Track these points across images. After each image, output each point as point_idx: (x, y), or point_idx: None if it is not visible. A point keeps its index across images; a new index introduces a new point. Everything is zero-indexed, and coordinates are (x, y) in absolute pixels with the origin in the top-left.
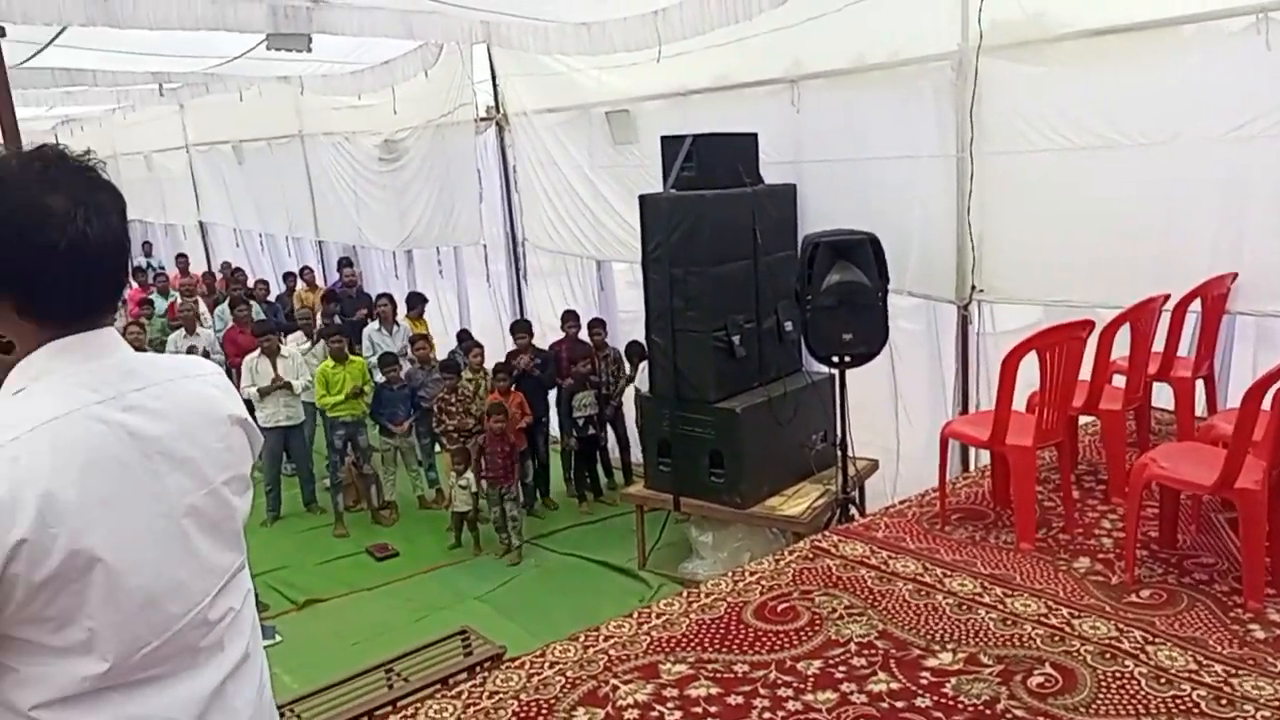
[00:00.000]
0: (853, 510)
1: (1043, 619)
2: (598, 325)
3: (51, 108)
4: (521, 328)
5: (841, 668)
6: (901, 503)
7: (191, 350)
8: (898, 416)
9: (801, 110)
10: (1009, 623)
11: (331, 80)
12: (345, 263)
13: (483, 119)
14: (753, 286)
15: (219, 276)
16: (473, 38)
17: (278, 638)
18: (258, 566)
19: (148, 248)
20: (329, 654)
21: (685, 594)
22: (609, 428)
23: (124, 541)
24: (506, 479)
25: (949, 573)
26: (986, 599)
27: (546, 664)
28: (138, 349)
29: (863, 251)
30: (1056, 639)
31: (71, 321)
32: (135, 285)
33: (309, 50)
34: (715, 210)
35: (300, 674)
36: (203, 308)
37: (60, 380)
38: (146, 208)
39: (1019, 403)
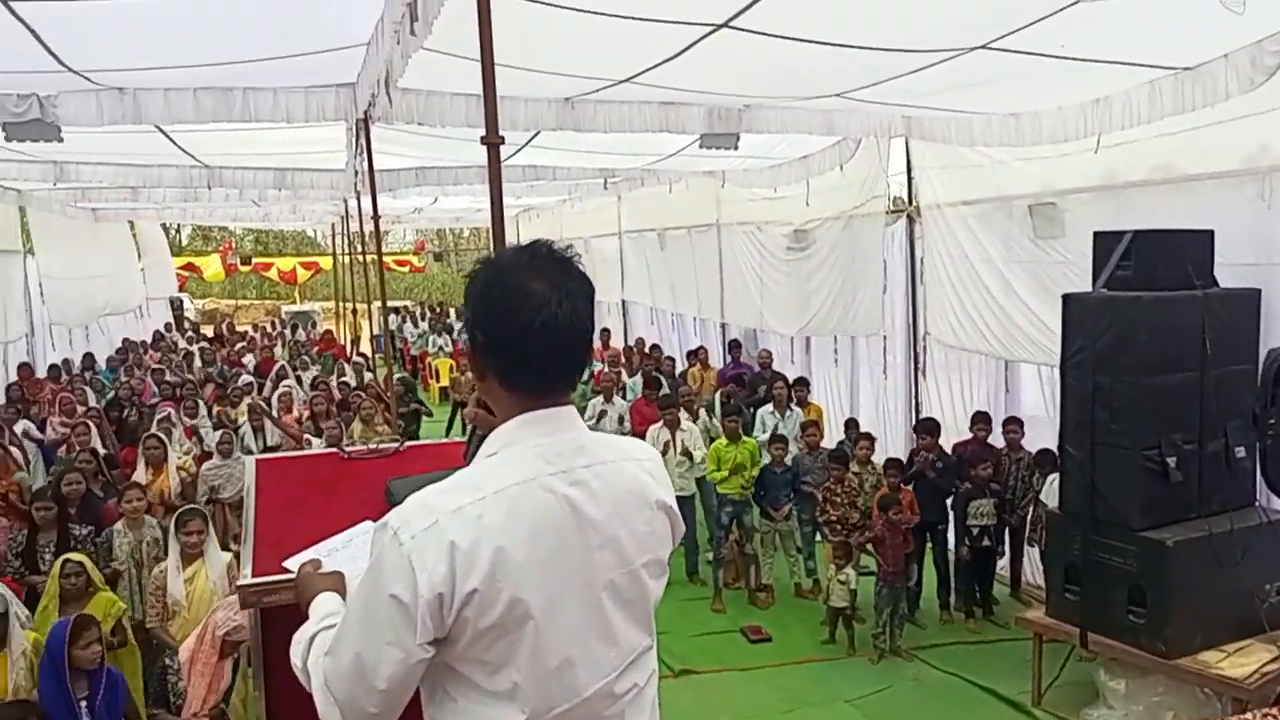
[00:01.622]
0: None
1: None
2: (1013, 424)
3: (519, 198)
4: (927, 427)
5: None
6: None
7: (604, 415)
8: None
9: (1273, 206)
10: None
11: (751, 174)
12: (735, 345)
13: (893, 211)
14: (1196, 402)
15: (634, 351)
16: (892, 132)
17: None
18: None
19: None
20: None
21: None
22: (1006, 538)
23: (552, 604)
24: (901, 577)
25: None
26: None
27: None
28: None
29: None
30: None
31: (541, 394)
32: None
33: (735, 148)
34: (1154, 314)
35: None
36: (624, 377)
37: (524, 450)
38: None
39: None
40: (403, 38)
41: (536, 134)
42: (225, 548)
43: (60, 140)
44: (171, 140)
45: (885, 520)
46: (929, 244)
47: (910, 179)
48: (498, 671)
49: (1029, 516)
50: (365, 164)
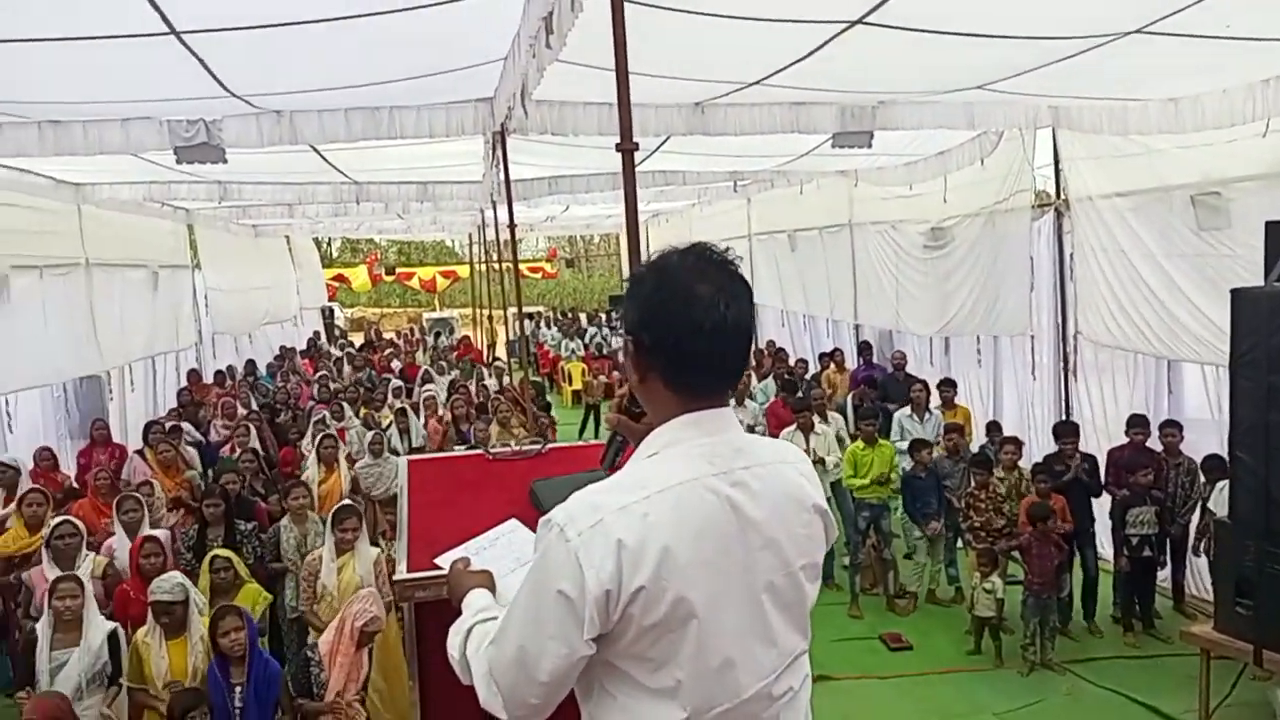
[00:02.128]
0: None
1: None
2: (1171, 428)
3: (648, 204)
4: (1068, 430)
5: None
6: None
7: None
8: None
9: None
10: None
11: (885, 172)
12: (865, 346)
13: (1039, 205)
14: None
15: (764, 354)
16: (1037, 123)
17: None
18: None
19: None
20: None
21: None
22: (1168, 548)
23: (715, 603)
24: (1050, 588)
25: None
26: None
27: None
28: None
29: None
30: None
31: (703, 396)
32: None
33: (869, 146)
34: None
35: None
36: (753, 382)
37: (686, 450)
38: None
39: None
40: (538, 51)
41: (667, 139)
42: (374, 543)
43: (224, 161)
44: (324, 158)
45: (1034, 530)
46: (1080, 238)
47: (1058, 171)
48: (660, 669)
49: (1192, 525)
50: (501, 175)
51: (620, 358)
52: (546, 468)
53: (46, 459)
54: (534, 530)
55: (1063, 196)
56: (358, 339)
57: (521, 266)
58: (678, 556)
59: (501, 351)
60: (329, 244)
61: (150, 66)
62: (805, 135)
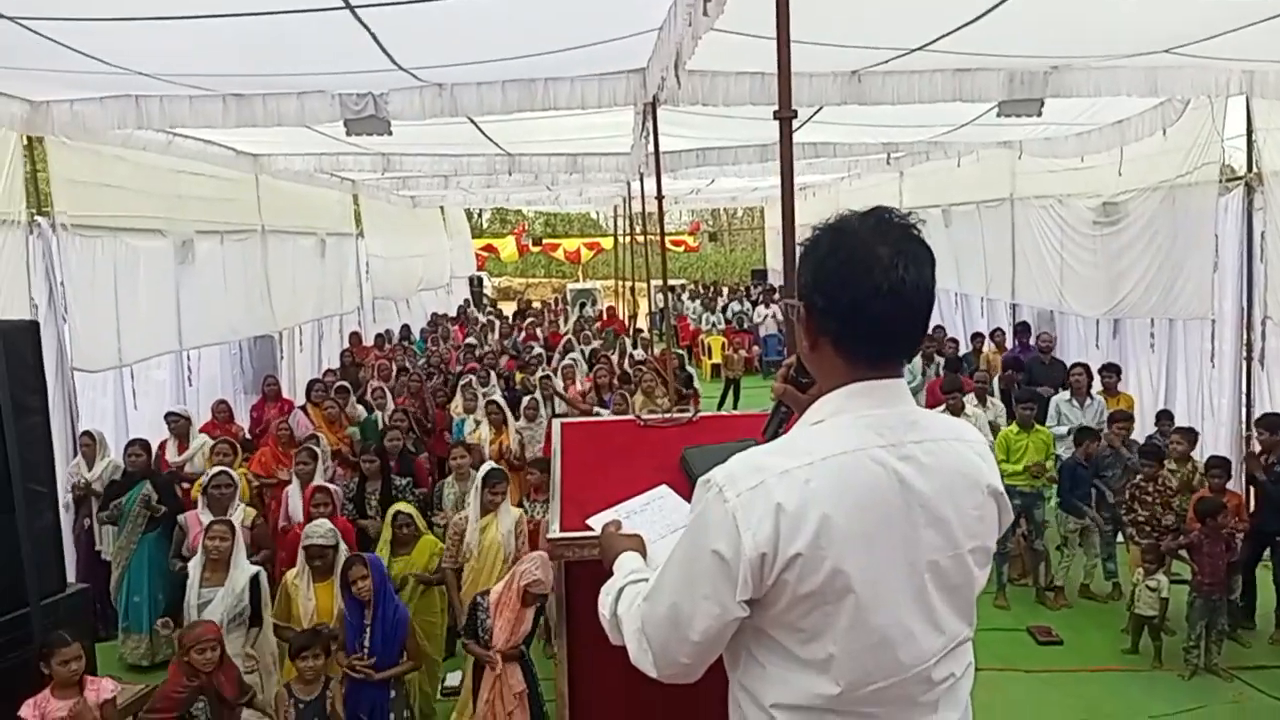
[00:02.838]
0: None
1: None
2: None
3: (796, 176)
4: (1269, 423)
5: None
6: None
7: None
8: None
9: None
10: None
11: (1053, 143)
12: (1022, 327)
13: (1228, 180)
14: None
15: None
16: (1229, 90)
17: None
18: None
19: None
20: None
21: None
22: None
23: (874, 578)
24: (1220, 589)
25: None
26: None
27: None
28: None
29: None
30: None
31: (876, 363)
32: None
33: (1039, 115)
34: None
35: None
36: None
37: (853, 419)
38: None
39: None
40: (694, 19)
41: (819, 109)
42: (519, 505)
43: (390, 134)
44: (481, 130)
45: (1204, 527)
46: (1273, 216)
47: (1251, 143)
48: (812, 640)
49: None
50: (650, 146)
51: (793, 322)
52: (697, 436)
53: (222, 411)
54: (685, 497)
55: (1255, 170)
56: (506, 307)
57: (663, 238)
58: (838, 526)
59: (643, 323)
60: (479, 215)
61: (325, 40)
62: (968, 104)
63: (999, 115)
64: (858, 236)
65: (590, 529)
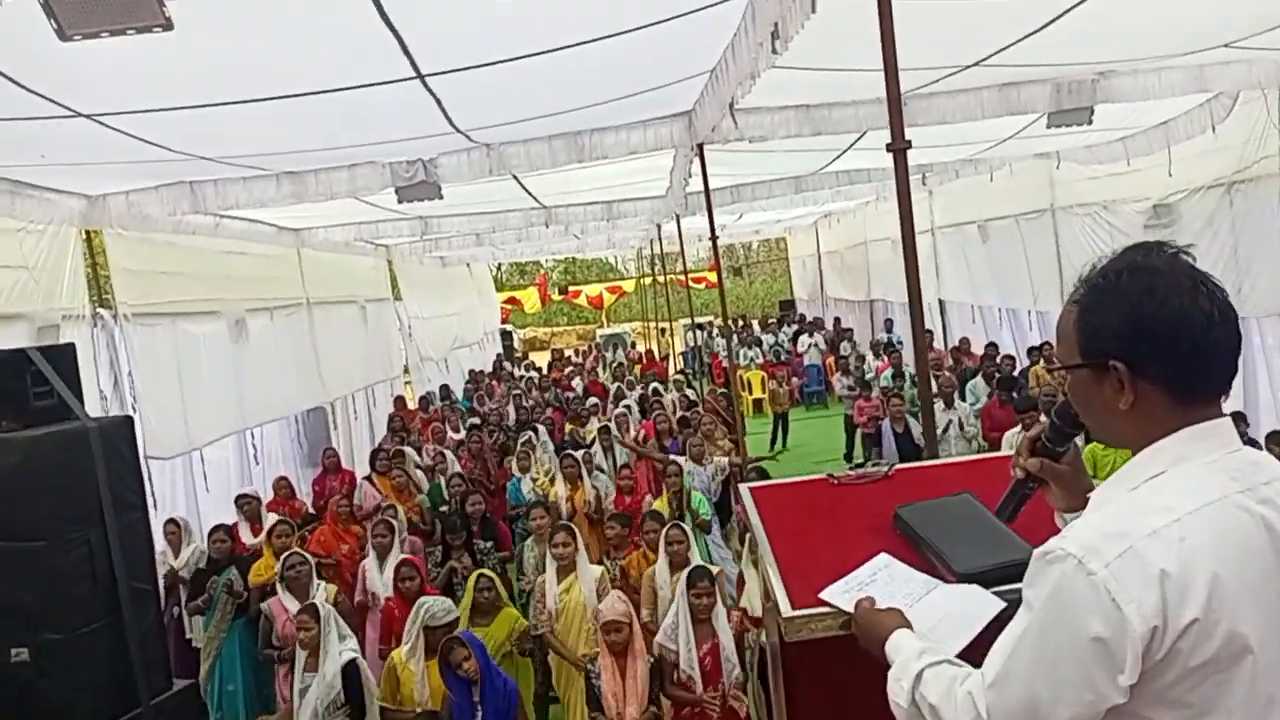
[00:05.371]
0: None
1: None
2: None
3: (821, 205)
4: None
5: None
6: None
7: (949, 424)
8: None
9: None
10: None
11: (1095, 150)
12: None
13: None
14: None
15: (960, 351)
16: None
17: None
18: None
19: (889, 324)
20: None
21: None
22: None
23: (1266, 636)
24: None
25: None
26: None
27: None
28: None
29: None
30: None
31: (1206, 401)
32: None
33: (1089, 123)
34: None
35: None
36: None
37: (1201, 466)
38: (887, 287)
39: None
40: (761, 56)
41: (862, 135)
42: (598, 562)
43: (441, 198)
44: (522, 185)
45: None
46: None
47: None
48: (1200, 717)
49: None
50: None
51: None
52: (898, 493)
53: (284, 488)
54: (907, 562)
55: None
56: (538, 358)
57: (687, 277)
58: (1227, 585)
59: (676, 363)
60: (499, 268)
61: (392, 110)
62: (1014, 118)
63: (1048, 126)
64: (1158, 274)
65: (828, 604)
